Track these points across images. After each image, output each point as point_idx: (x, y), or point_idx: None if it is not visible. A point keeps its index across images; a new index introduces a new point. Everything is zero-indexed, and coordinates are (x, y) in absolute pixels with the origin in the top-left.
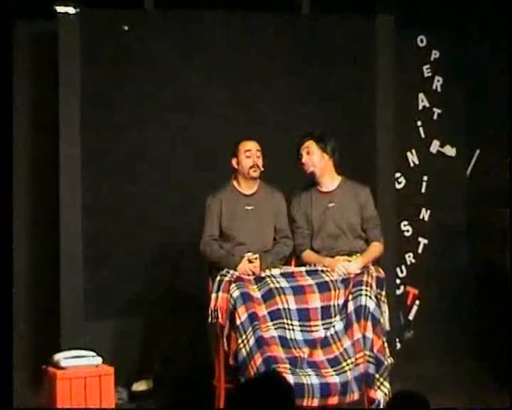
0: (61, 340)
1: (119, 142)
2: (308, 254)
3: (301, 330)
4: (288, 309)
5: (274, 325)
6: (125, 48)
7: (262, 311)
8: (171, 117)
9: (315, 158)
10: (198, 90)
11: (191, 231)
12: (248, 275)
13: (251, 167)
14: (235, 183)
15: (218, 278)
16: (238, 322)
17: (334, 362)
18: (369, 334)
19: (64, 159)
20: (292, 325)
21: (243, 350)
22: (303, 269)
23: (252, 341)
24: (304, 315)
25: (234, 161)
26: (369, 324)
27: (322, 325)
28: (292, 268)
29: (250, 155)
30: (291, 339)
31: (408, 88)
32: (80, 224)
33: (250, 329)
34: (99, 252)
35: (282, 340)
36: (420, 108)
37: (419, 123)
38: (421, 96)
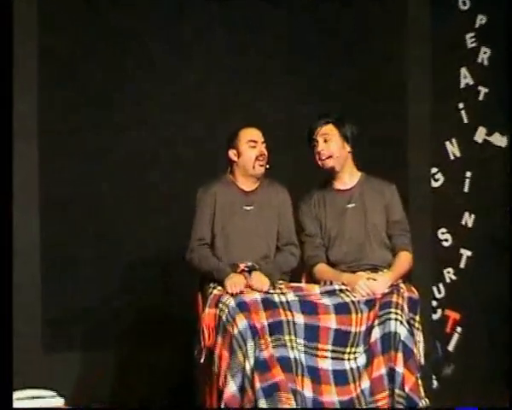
0: (14, 377)
1: (89, 133)
2: (321, 269)
3: (305, 352)
4: (293, 323)
5: (272, 341)
6: (97, 18)
7: (261, 321)
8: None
9: (334, 147)
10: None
11: (185, 240)
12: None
13: (257, 158)
14: (231, 177)
15: (209, 290)
16: (235, 331)
17: (348, 405)
18: (400, 368)
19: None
20: (296, 342)
21: (247, 368)
22: (317, 291)
23: (252, 360)
24: (312, 334)
25: (232, 153)
26: (400, 355)
27: (332, 352)
28: (302, 285)
29: (255, 145)
30: (295, 360)
31: (447, 62)
32: (38, 232)
33: (251, 343)
34: (61, 270)
35: (282, 361)
36: (462, 86)
37: (461, 105)
38: (463, 71)
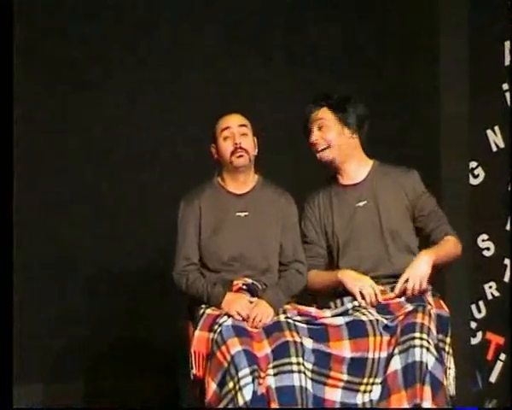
0: None
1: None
2: (313, 274)
3: (312, 379)
4: (301, 344)
5: (274, 367)
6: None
7: (262, 350)
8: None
9: (330, 135)
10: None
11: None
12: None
13: (233, 153)
14: (219, 179)
15: (200, 311)
16: (228, 357)
17: None
18: (427, 403)
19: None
20: (304, 366)
21: (240, 402)
22: (328, 314)
23: (246, 393)
24: (322, 360)
25: (213, 149)
26: (427, 389)
27: (347, 383)
28: (311, 309)
29: (229, 134)
30: (300, 388)
31: (488, 33)
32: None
33: (247, 370)
34: (29, 288)
35: (284, 392)
36: (506, 63)
37: (505, 86)
38: (508, 45)
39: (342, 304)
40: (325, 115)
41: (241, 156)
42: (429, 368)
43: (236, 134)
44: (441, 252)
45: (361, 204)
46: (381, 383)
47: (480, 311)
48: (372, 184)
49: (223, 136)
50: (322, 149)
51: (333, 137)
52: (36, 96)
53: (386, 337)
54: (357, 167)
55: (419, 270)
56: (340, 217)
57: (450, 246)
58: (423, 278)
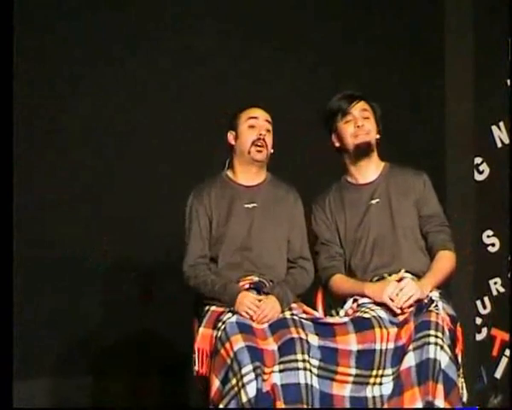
0: None
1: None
2: (339, 280)
3: (318, 375)
4: (307, 341)
5: (280, 363)
6: None
7: (268, 346)
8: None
9: (371, 125)
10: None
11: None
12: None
13: (254, 143)
14: (229, 173)
15: (205, 308)
16: (231, 353)
17: None
18: (440, 402)
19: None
20: (310, 363)
21: (243, 399)
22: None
23: (250, 390)
24: (329, 355)
25: (231, 136)
26: (440, 387)
27: (356, 377)
28: (316, 313)
29: (255, 124)
30: (306, 386)
31: (492, 26)
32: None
33: (250, 367)
34: (34, 282)
35: (290, 390)
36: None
37: (509, 81)
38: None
39: (342, 308)
40: (367, 107)
41: (260, 151)
42: (443, 367)
43: (262, 127)
44: (440, 276)
45: (374, 202)
46: (392, 378)
47: (485, 307)
48: (385, 184)
49: (248, 123)
50: (365, 137)
51: (372, 128)
52: (36, 96)
53: (392, 329)
54: (372, 167)
55: (416, 294)
56: (354, 214)
57: (445, 266)
58: (415, 297)
